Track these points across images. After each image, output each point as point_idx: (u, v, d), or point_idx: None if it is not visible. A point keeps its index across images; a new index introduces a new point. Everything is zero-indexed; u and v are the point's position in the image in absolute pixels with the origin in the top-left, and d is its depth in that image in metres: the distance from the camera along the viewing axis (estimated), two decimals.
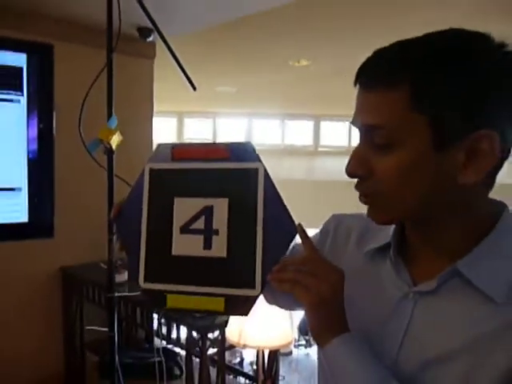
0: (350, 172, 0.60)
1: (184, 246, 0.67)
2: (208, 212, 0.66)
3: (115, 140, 1.38)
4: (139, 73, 2.89)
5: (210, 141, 8.24)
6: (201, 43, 3.37)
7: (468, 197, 0.58)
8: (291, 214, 0.64)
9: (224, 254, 0.65)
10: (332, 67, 4.19)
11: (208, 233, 0.66)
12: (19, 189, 1.49)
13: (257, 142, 8.12)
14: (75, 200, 2.43)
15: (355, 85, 0.61)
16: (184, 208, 0.67)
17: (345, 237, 0.77)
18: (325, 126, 7.93)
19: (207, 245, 0.66)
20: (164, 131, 7.61)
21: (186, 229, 0.67)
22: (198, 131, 7.97)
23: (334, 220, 0.81)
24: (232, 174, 0.67)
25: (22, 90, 1.46)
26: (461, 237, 0.61)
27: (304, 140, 7.99)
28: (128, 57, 2.65)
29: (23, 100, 1.47)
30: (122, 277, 2.16)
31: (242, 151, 0.67)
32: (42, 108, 1.50)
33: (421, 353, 0.59)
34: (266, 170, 0.65)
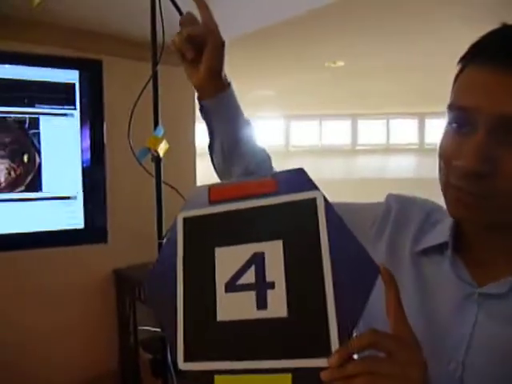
0: (470, 168, 0.51)
1: (231, 308, 0.51)
2: (258, 260, 0.52)
3: (162, 148, 1.44)
4: (180, 81, 2.96)
5: None
6: (239, 48, 3.44)
7: None
8: (368, 251, 0.49)
9: (285, 313, 0.49)
10: (367, 67, 4.17)
11: (261, 287, 0.51)
12: (75, 197, 1.58)
13: (295, 143, 8.14)
14: (126, 206, 2.54)
15: (467, 59, 0.54)
16: (228, 259, 0.53)
17: (405, 228, 0.69)
18: (362, 124, 7.85)
19: (261, 303, 0.50)
20: (206, 137, 7.73)
21: (232, 285, 0.52)
22: None
23: (395, 202, 0.72)
24: (283, 210, 0.53)
25: (75, 105, 1.56)
26: None
27: (342, 139, 7.93)
28: (172, 67, 2.74)
29: (76, 114, 1.56)
30: None
31: (293, 180, 0.53)
32: (93, 120, 1.58)
33: (490, 360, 0.56)
34: (326, 199, 0.51)
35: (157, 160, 1.46)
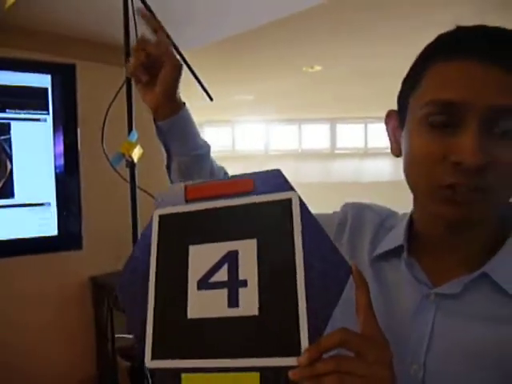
0: (473, 162, 0.50)
1: (202, 305, 0.51)
2: (232, 258, 0.51)
3: (136, 153, 1.43)
4: None
5: (229, 148, 8.32)
6: (216, 53, 3.44)
7: None
8: (340, 251, 0.50)
9: (256, 311, 0.49)
10: (344, 71, 4.21)
11: (233, 285, 0.50)
12: (48, 203, 1.55)
13: (274, 147, 8.16)
14: (101, 212, 2.51)
15: (440, 53, 0.55)
16: (201, 257, 0.53)
17: (361, 232, 0.71)
18: (341, 128, 7.92)
19: (233, 301, 0.50)
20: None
21: (204, 283, 0.52)
22: (217, 140, 8.06)
23: (351, 209, 0.75)
24: (259, 209, 0.53)
25: (47, 109, 1.53)
26: (486, 238, 0.60)
27: (321, 143, 8.00)
28: None
29: (49, 118, 1.54)
30: None
31: (270, 181, 0.54)
32: (66, 125, 1.56)
33: (449, 360, 0.56)
34: (301, 200, 0.52)
35: (131, 165, 1.45)
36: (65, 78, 1.56)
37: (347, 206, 0.76)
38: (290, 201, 0.52)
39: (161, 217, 0.57)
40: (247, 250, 0.51)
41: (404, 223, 0.67)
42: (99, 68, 2.55)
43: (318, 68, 4.09)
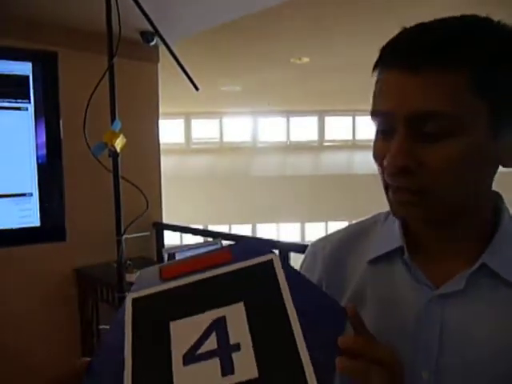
0: (400, 166, 0.52)
1: (192, 381, 0.46)
2: (219, 325, 0.48)
3: (119, 143, 1.41)
4: (143, 76, 2.93)
5: (217, 140, 8.28)
6: (204, 44, 3.41)
7: (491, 185, 0.58)
8: (330, 296, 0.50)
9: (255, 373, 0.45)
10: (332, 63, 4.21)
11: (225, 352, 0.47)
12: (30, 194, 1.53)
13: (262, 139, 8.15)
14: (84, 202, 2.48)
15: (378, 66, 0.56)
16: (184, 332, 0.49)
17: (334, 259, 0.69)
18: (329, 120, 7.94)
19: (227, 368, 0.46)
20: (172, 133, 7.66)
21: (191, 357, 0.47)
22: (205, 131, 8.02)
23: (310, 252, 0.73)
24: (241, 275, 0.52)
25: (28, 98, 1.50)
26: (478, 229, 0.59)
27: (309, 135, 8.00)
28: (131, 61, 2.69)
29: (30, 107, 1.51)
30: (134, 276, 2.21)
31: (247, 249, 0.54)
32: (48, 114, 1.53)
33: (463, 359, 0.55)
34: (282, 259, 0.52)
35: (114, 155, 1.43)
36: (46, 65, 1.53)
37: (311, 247, 0.75)
38: (271, 261, 0.52)
39: (134, 300, 0.53)
40: (235, 314, 0.49)
41: (396, 222, 0.64)
42: (81, 56, 2.51)
43: (305, 60, 4.08)
